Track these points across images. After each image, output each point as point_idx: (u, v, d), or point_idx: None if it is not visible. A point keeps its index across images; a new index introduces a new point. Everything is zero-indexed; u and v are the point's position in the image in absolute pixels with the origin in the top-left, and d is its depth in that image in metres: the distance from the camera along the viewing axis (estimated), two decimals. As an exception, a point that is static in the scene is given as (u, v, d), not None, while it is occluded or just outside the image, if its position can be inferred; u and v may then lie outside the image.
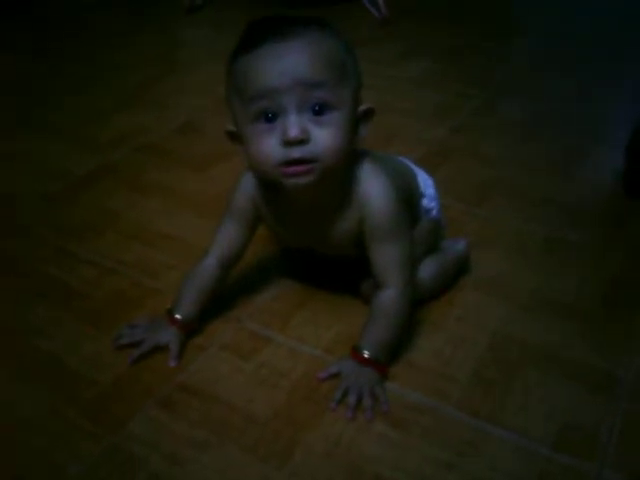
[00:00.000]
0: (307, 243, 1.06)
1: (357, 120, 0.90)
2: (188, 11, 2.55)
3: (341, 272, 1.13)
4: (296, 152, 0.84)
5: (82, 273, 1.14)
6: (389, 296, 0.95)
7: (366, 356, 0.93)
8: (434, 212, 1.11)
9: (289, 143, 0.84)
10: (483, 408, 0.91)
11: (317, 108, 0.85)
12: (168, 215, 1.31)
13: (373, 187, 0.93)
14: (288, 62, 0.84)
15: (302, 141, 0.84)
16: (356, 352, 0.94)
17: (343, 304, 1.08)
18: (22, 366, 0.97)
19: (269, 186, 0.95)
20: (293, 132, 0.83)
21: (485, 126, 1.73)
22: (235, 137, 0.92)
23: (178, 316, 0.99)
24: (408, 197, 1.03)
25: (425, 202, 1.10)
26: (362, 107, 0.91)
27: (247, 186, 0.99)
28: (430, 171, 1.17)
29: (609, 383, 0.96)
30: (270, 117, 0.85)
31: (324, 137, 0.85)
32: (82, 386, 0.93)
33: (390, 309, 0.95)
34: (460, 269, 1.15)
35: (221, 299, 1.07)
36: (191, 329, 1.02)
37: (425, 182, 1.11)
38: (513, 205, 1.37)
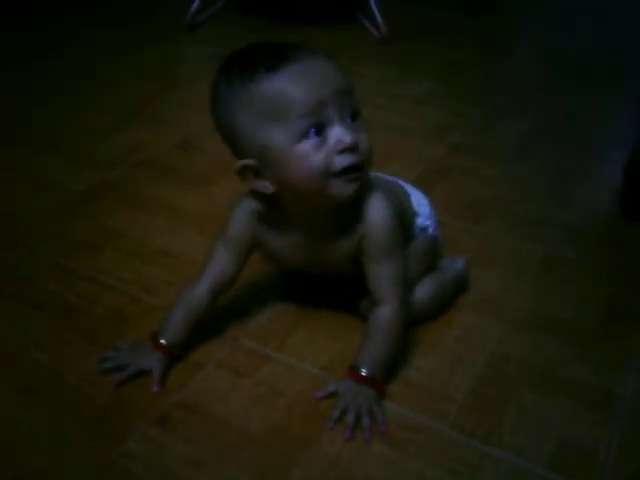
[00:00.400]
0: (307, 263, 1.05)
1: None
2: (190, 28, 2.56)
3: (338, 291, 1.13)
4: (352, 158, 0.86)
5: (81, 289, 1.14)
6: (385, 314, 0.95)
7: (363, 374, 0.93)
8: (430, 230, 1.11)
9: (347, 150, 0.86)
10: (480, 427, 0.91)
11: (353, 114, 0.88)
12: (168, 232, 1.31)
13: (373, 205, 0.94)
14: (325, 73, 0.86)
15: (355, 147, 0.86)
16: (353, 371, 0.94)
17: (341, 323, 1.09)
18: (21, 380, 0.97)
19: (273, 211, 0.95)
20: (350, 138, 0.85)
21: (483, 145, 1.74)
22: (250, 170, 0.91)
23: (163, 341, 0.97)
24: (402, 216, 1.04)
25: (420, 221, 1.10)
26: None
27: (244, 214, 0.99)
28: (428, 189, 1.18)
29: (607, 401, 0.96)
30: (317, 131, 0.85)
31: (364, 142, 0.88)
32: (80, 402, 0.93)
33: (386, 326, 0.96)
34: (459, 288, 1.15)
35: (218, 318, 1.07)
36: (175, 355, 0.99)
37: (419, 201, 1.12)
38: (511, 223, 1.38)
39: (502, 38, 2.81)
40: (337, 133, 0.85)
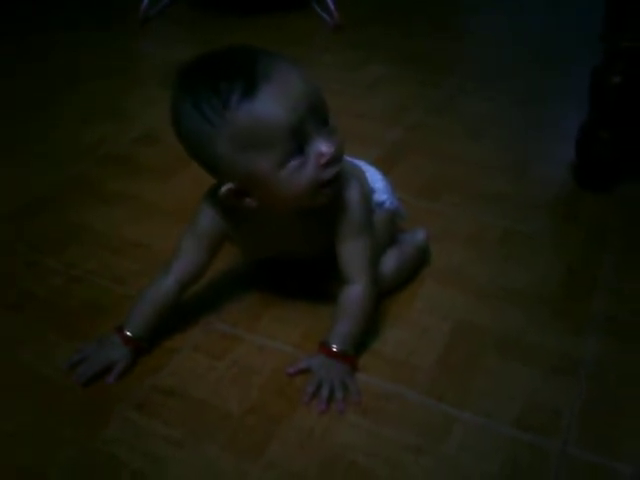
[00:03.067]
0: (278, 253, 1.08)
1: None
2: (142, 22, 2.56)
3: (305, 272, 1.16)
4: (337, 167, 0.89)
5: (53, 284, 1.15)
6: (355, 291, 0.98)
7: (335, 349, 0.96)
8: (387, 204, 1.13)
9: (329, 163, 0.87)
10: (448, 393, 0.94)
11: (325, 120, 0.88)
12: (134, 223, 1.33)
13: (346, 188, 0.96)
14: (297, 88, 0.84)
15: (337, 157, 0.88)
16: (324, 346, 0.97)
17: (309, 301, 1.11)
18: (1, 378, 0.98)
19: (244, 208, 0.94)
20: (331, 150, 0.86)
21: (440, 126, 1.77)
22: (240, 193, 0.91)
23: (129, 333, 0.98)
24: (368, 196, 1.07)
25: (376, 196, 1.12)
26: None
27: (213, 207, 0.98)
28: (387, 169, 1.22)
29: (569, 365, 1.00)
30: (300, 149, 0.86)
31: (339, 146, 0.89)
32: (61, 394, 0.94)
33: (356, 303, 0.98)
34: (420, 259, 1.19)
35: (190, 304, 1.09)
36: (141, 348, 1.00)
37: (374, 177, 1.14)
38: (470, 200, 1.42)
39: (456, 22, 2.85)
40: (319, 148, 0.86)
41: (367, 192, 1.06)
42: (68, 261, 1.21)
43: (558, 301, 1.13)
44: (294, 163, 0.86)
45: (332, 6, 2.58)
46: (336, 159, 0.88)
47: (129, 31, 2.54)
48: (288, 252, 1.07)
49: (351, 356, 0.98)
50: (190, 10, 2.77)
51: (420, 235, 1.19)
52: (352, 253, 0.98)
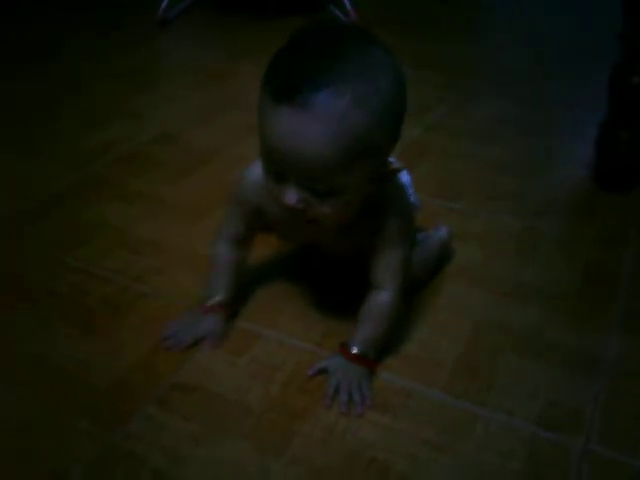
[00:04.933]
0: (310, 240, 1.07)
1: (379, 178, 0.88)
2: (161, 24, 2.57)
3: (329, 269, 1.16)
4: (304, 214, 0.85)
5: (72, 281, 1.16)
6: (384, 297, 0.97)
7: (354, 352, 0.95)
8: (411, 199, 1.13)
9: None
10: (469, 391, 0.94)
11: (317, 194, 0.83)
12: (152, 222, 1.33)
13: (393, 194, 0.96)
14: (296, 144, 0.78)
15: (303, 210, 0.84)
16: (345, 348, 0.96)
17: (330, 301, 1.11)
18: (18, 372, 0.98)
19: None
20: (291, 200, 0.83)
21: (457, 126, 1.77)
22: None
23: (212, 302, 1.03)
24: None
25: None
26: (391, 165, 0.89)
27: (249, 182, 0.98)
28: (407, 169, 1.21)
29: (590, 361, 1.00)
30: (278, 178, 0.84)
31: (326, 212, 0.85)
32: (78, 390, 0.94)
33: (383, 309, 0.97)
34: (443, 256, 1.19)
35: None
36: (231, 312, 1.06)
37: (403, 174, 1.13)
38: (487, 200, 1.42)
39: (472, 23, 2.85)
40: (285, 193, 0.84)
41: (409, 197, 1.05)
42: (85, 258, 1.22)
43: (578, 299, 1.13)
44: (272, 176, 0.85)
45: (349, 6, 2.59)
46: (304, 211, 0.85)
47: (147, 32, 2.54)
48: (321, 243, 1.06)
49: (371, 360, 0.97)
50: (210, 13, 2.78)
51: (443, 231, 1.19)
52: (386, 261, 0.96)
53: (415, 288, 1.11)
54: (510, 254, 1.24)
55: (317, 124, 0.76)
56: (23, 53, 2.31)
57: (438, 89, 2.02)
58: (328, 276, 1.17)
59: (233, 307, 1.07)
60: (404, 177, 1.13)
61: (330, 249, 1.07)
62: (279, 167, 0.83)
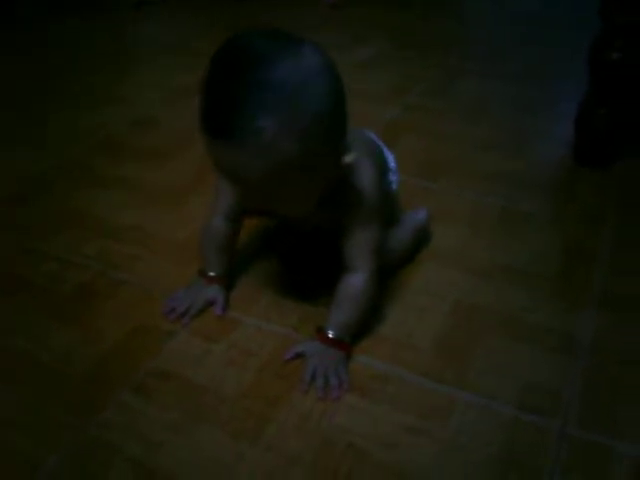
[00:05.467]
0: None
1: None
2: (137, 6, 2.54)
3: (306, 250, 1.16)
4: None
5: (48, 269, 1.15)
6: (357, 279, 0.96)
7: (330, 336, 0.95)
8: (394, 186, 1.13)
9: None
10: (447, 374, 0.94)
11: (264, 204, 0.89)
12: (129, 208, 1.32)
13: (361, 174, 0.94)
14: (236, 173, 0.81)
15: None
16: (321, 332, 0.96)
17: (307, 286, 1.10)
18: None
19: None
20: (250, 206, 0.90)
21: (437, 105, 1.77)
22: None
23: (212, 273, 1.06)
24: (380, 166, 1.05)
25: (389, 176, 1.12)
26: (345, 158, 0.88)
27: None
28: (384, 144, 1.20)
29: (569, 344, 0.99)
30: None
31: (286, 208, 0.90)
32: (55, 379, 0.94)
33: (357, 291, 0.97)
34: (421, 239, 1.18)
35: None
36: (228, 283, 1.08)
37: (388, 157, 1.14)
38: (467, 180, 1.41)
39: (452, 2, 2.83)
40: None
41: (379, 178, 1.01)
42: (63, 246, 1.20)
43: (558, 279, 1.12)
44: None
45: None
46: None
47: (125, 15, 2.51)
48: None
49: (347, 343, 0.96)
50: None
51: (422, 214, 1.18)
52: (358, 242, 0.96)
53: (391, 270, 1.11)
54: (489, 234, 1.23)
55: (248, 155, 0.77)
56: (6, 39, 2.29)
57: (420, 68, 2.01)
58: (304, 260, 1.16)
59: (230, 278, 1.10)
60: (391, 163, 1.13)
61: (307, 223, 1.07)
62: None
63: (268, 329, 1.02)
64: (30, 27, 2.40)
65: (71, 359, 0.97)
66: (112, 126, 1.65)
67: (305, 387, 0.91)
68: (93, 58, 2.11)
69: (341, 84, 0.84)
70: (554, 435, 0.85)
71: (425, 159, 1.49)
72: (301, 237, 1.16)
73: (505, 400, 0.90)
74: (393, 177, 1.13)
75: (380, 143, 1.15)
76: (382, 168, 1.09)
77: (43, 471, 0.81)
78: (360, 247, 0.96)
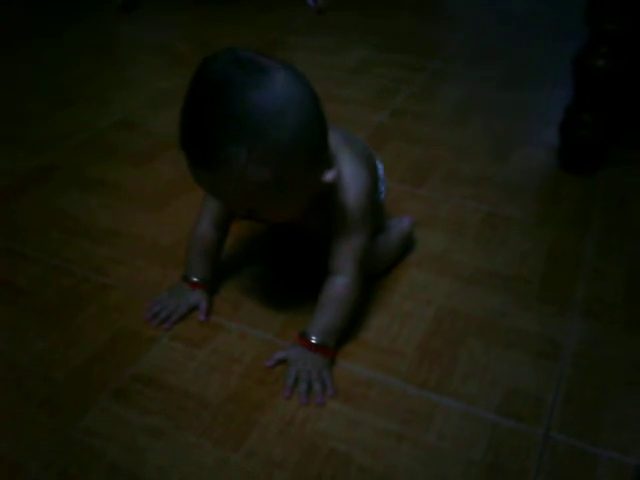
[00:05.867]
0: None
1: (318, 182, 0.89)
2: (123, 9, 2.53)
3: (289, 258, 1.16)
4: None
5: (29, 272, 1.14)
6: (342, 283, 0.96)
7: (314, 341, 0.94)
8: (382, 196, 1.14)
9: None
10: (430, 379, 0.94)
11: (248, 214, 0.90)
12: (113, 211, 1.31)
13: (351, 181, 0.94)
14: (217, 195, 0.89)
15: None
16: (303, 338, 0.95)
17: (290, 291, 1.10)
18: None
19: None
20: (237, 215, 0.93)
21: (422, 111, 1.76)
22: None
23: (195, 279, 1.06)
24: (372, 174, 1.05)
25: (379, 185, 1.12)
26: (325, 176, 0.89)
27: None
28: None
29: (552, 350, 1.00)
30: None
31: (271, 218, 0.93)
32: (36, 383, 0.93)
33: (341, 295, 0.96)
34: (404, 247, 1.18)
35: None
36: (211, 288, 1.08)
37: (378, 165, 1.14)
38: (452, 185, 1.41)
39: (438, 4, 2.84)
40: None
41: (371, 189, 1.01)
42: (46, 249, 1.20)
43: (542, 285, 1.13)
44: None
45: (315, -8, 2.57)
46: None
47: (108, 17, 2.50)
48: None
49: (330, 349, 0.96)
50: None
51: (405, 223, 1.17)
52: (345, 248, 0.96)
53: (375, 276, 1.11)
54: (474, 240, 1.23)
55: (223, 181, 0.82)
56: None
57: (405, 71, 2.01)
58: (288, 265, 1.16)
59: (214, 284, 1.09)
60: (381, 171, 1.14)
61: (296, 226, 1.08)
62: None
63: (251, 334, 1.01)
64: (14, 28, 2.39)
65: (53, 363, 0.96)
66: (95, 128, 1.65)
67: (288, 393, 0.91)
68: (77, 60, 2.10)
69: (315, 110, 0.84)
70: (537, 441, 0.85)
71: (411, 164, 1.49)
72: (287, 241, 1.16)
73: (488, 405, 0.90)
74: (382, 186, 1.13)
75: (373, 152, 1.16)
76: (375, 178, 1.10)
77: (25, 476, 0.81)
78: (346, 253, 0.96)
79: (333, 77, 1.96)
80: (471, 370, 0.96)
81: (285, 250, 1.19)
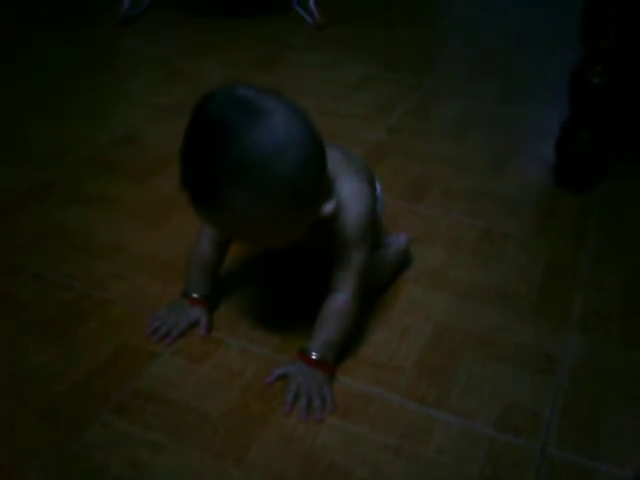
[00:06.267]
0: None
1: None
2: (123, 23, 2.54)
3: (289, 273, 1.17)
4: None
5: (31, 287, 1.14)
6: (341, 300, 0.97)
7: (314, 357, 0.95)
8: (379, 212, 1.15)
9: None
10: (429, 395, 0.95)
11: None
12: (114, 226, 1.32)
13: (352, 199, 0.96)
14: (219, 228, 0.96)
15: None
16: (304, 354, 0.96)
17: (289, 307, 1.11)
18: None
19: None
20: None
21: (419, 127, 1.78)
22: None
23: (195, 295, 1.07)
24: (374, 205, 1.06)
25: (377, 204, 1.13)
26: (324, 209, 0.90)
27: None
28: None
29: (549, 364, 1.01)
30: None
31: (272, 244, 0.99)
32: (36, 396, 0.93)
33: (341, 312, 0.97)
34: (402, 263, 1.19)
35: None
36: (211, 305, 1.09)
37: (376, 185, 1.15)
38: (450, 200, 1.42)
39: (435, 19, 2.86)
40: None
41: (372, 208, 1.02)
42: (46, 263, 1.20)
43: (538, 299, 1.14)
44: None
45: (313, 6, 2.59)
46: None
47: (108, 31, 2.52)
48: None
49: (330, 365, 0.97)
50: (174, 10, 2.76)
51: (402, 240, 1.19)
52: (344, 265, 0.97)
53: (373, 292, 1.12)
54: (471, 255, 1.25)
55: (221, 218, 0.86)
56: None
57: (404, 88, 2.03)
58: (288, 282, 1.17)
59: (213, 300, 1.10)
60: (377, 189, 1.15)
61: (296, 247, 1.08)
62: None
63: (251, 350, 1.02)
64: (12, 42, 2.40)
65: (53, 377, 0.97)
66: (94, 143, 1.65)
67: (288, 409, 0.92)
68: (76, 74, 2.11)
69: (314, 147, 0.86)
70: (535, 455, 0.86)
71: (408, 180, 1.50)
72: (286, 259, 1.18)
73: (486, 420, 0.91)
74: (379, 204, 1.14)
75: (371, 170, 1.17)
76: (375, 197, 1.10)
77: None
78: (346, 271, 0.97)
79: (331, 93, 1.97)
80: (469, 385, 0.96)
81: (284, 268, 1.20)
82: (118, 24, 2.54)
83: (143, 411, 0.91)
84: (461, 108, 1.89)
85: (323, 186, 0.89)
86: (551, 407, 0.93)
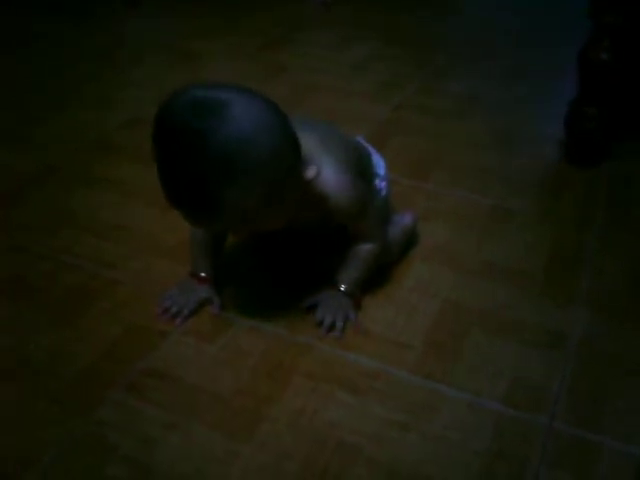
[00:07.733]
0: None
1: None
2: (129, 4, 2.53)
3: (296, 254, 1.18)
4: None
5: (39, 268, 1.15)
6: (369, 245, 1.05)
7: (343, 289, 1.05)
8: (383, 192, 1.15)
9: None
10: (436, 371, 0.95)
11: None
12: (120, 208, 1.33)
13: (337, 187, 0.96)
14: (207, 224, 0.98)
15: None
16: (334, 285, 1.05)
17: (298, 286, 1.12)
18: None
19: None
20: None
21: (426, 104, 1.78)
22: None
23: (202, 274, 1.09)
24: (362, 172, 1.08)
25: (376, 182, 1.14)
26: (306, 175, 0.92)
27: None
28: (375, 148, 1.21)
29: (556, 340, 1.01)
30: None
31: (262, 227, 0.97)
32: (47, 378, 0.95)
33: (369, 253, 1.05)
34: (409, 241, 1.19)
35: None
36: (218, 283, 1.11)
37: (378, 163, 1.16)
38: (457, 178, 1.42)
39: (443, 1, 2.84)
40: None
41: (363, 169, 1.08)
42: (56, 246, 1.21)
43: (545, 277, 1.14)
44: None
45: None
46: None
47: (114, 15, 2.51)
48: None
49: (357, 297, 1.06)
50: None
51: (408, 219, 1.20)
52: (359, 229, 1.04)
53: (380, 270, 1.12)
54: (478, 233, 1.25)
55: (227, 218, 0.88)
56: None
57: (408, 66, 2.03)
58: (296, 259, 1.18)
59: (221, 279, 1.11)
60: (381, 169, 1.16)
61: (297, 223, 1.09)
62: None
63: (262, 329, 1.03)
64: (16, 26, 2.40)
65: (65, 358, 0.98)
66: (102, 126, 1.66)
67: (324, 331, 1.01)
68: (82, 58, 2.11)
69: (278, 120, 0.87)
70: (541, 430, 0.87)
71: (415, 158, 1.50)
72: (290, 243, 1.19)
73: (493, 396, 0.92)
74: (382, 183, 1.15)
75: (370, 148, 1.17)
76: (366, 173, 1.12)
77: (36, 468, 0.82)
78: (362, 233, 1.04)
79: (337, 72, 1.96)
80: (477, 361, 0.97)
81: (288, 251, 1.20)
82: (124, 5, 2.53)
83: (154, 390, 0.92)
84: (468, 86, 1.89)
85: (299, 154, 0.90)
86: (558, 383, 0.94)
